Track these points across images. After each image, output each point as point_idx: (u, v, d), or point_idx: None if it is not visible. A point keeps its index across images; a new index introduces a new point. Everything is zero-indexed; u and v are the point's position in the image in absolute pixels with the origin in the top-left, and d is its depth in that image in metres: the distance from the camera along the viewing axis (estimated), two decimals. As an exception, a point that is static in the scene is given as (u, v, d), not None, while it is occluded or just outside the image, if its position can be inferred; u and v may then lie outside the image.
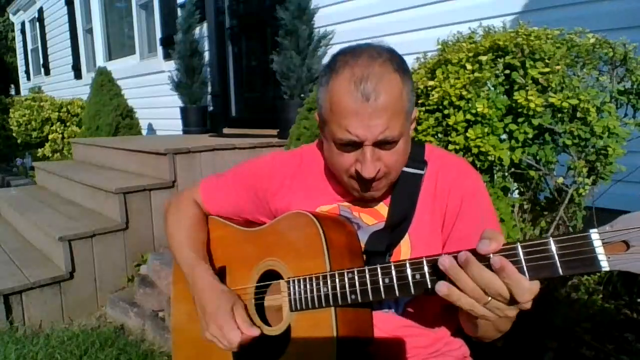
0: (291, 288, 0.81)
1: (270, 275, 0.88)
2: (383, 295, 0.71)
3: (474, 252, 0.61)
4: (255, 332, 0.84)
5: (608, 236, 0.55)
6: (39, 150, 6.04)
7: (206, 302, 0.89)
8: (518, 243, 0.59)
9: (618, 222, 0.55)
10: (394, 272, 0.70)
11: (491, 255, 0.59)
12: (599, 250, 0.55)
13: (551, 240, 0.57)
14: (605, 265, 0.54)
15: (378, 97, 0.73)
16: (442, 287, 0.62)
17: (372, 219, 0.89)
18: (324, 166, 0.98)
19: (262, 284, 0.90)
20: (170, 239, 1.04)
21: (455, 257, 0.62)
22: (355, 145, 0.77)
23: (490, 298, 0.60)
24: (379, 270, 0.71)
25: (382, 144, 0.77)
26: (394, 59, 0.78)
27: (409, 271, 0.68)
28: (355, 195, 0.87)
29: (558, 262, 0.57)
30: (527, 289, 0.58)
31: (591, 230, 0.55)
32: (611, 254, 0.54)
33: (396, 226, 0.86)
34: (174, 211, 1.07)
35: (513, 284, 0.58)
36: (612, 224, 0.55)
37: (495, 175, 1.45)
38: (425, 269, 0.66)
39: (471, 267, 0.60)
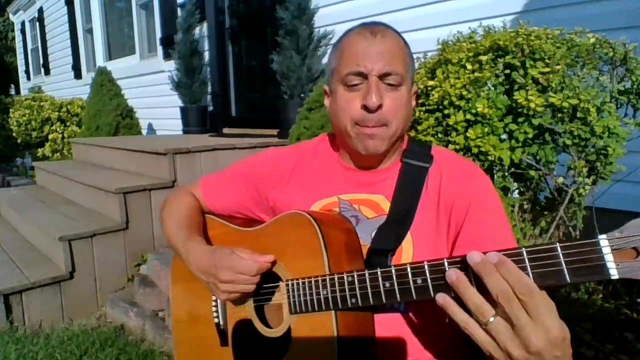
0: (290, 290, 0.81)
1: (269, 277, 0.87)
2: (384, 300, 0.70)
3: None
4: (269, 257, 0.82)
5: (617, 242, 0.52)
6: (39, 150, 6.04)
7: (205, 262, 0.87)
8: (523, 248, 0.57)
9: (628, 227, 0.53)
10: (394, 277, 0.68)
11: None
12: (608, 257, 0.52)
13: (558, 246, 0.55)
14: (614, 273, 0.52)
15: (384, 37, 0.84)
16: (439, 298, 0.60)
17: (372, 212, 0.88)
18: (323, 160, 0.98)
19: (260, 285, 0.89)
20: (165, 227, 1.03)
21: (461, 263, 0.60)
22: (362, 77, 0.83)
23: (492, 318, 0.55)
24: (379, 274, 0.70)
25: (386, 77, 0.83)
26: (400, 34, 0.90)
27: (410, 276, 0.66)
28: (360, 152, 0.87)
29: (565, 269, 0.54)
30: (531, 287, 0.54)
31: (600, 237, 0.53)
32: (621, 261, 0.52)
33: (398, 219, 0.85)
34: (169, 202, 1.07)
35: (513, 281, 0.54)
36: (622, 230, 0.53)
37: (495, 175, 1.45)
38: (427, 273, 0.65)
39: (483, 271, 0.56)
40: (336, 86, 0.88)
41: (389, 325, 0.82)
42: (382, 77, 0.83)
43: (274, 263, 0.85)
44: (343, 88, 0.86)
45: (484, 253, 0.57)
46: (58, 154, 5.90)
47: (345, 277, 0.73)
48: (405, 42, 0.89)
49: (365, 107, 0.83)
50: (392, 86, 0.84)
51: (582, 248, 0.54)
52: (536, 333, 0.53)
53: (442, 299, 0.59)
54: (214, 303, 0.95)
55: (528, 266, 0.56)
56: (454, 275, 0.59)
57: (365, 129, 0.85)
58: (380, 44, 0.83)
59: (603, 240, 0.53)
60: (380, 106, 0.82)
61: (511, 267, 0.55)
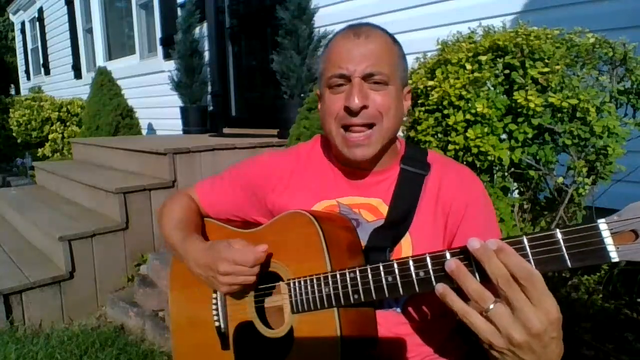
0: (292, 289, 0.80)
1: (270, 277, 0.87)
2: (387, 294, 0.70)
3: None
4: (264, 246, 0.82)
5: (616, 226, 0.53)
6: (39, 150, 6.03)
7: (203, 257, 0.88)
8: (524, 236, 0.57)
9: (626, 211, 0.53)
10: (397, 270, 0.68)
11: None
12: (608, 240, 0.53)
13: (558, 232, 0.55)
14: (614, 256, 0.53)
15: (368, 37, 0.83)
16: (438, 287, 0.60)
17: (371, 216, 0.89)
18: (319, 163, 0.98)
19: (262, 286, 0.89)
20: (163, 230, 1.03)
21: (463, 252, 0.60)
22: (345, 79, 0.83)
23: (492, 305, 0.55)
24: (381, 268, 0.70)
25: (370, 78, 0.82)
26: (389, 34, 0.88)
27: (412, 269, 0.66)
28: (347, 156, 0.87)
29: (566, 254, 0.55)
30: (531, 272, 0.53)
31: (599, 221, 0.54)
32: (620, 244, 0.53)
33: (396, 223, 0.85)
34: (167, 206, 1.07)
35: (513, 265, 0.54)
36: (620, 213, 0.53)
37: (495, 175, 1.44)
38: (429, 265, 0.65)
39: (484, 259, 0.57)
40: (323, 90, 0.88)
41: (387, 323, 0.83)
42: (365, 77, 0.82)
43: (269, 255, 0.85)
44: (328, 91, 0.86)
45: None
46: (58, 154, 5.90)
47: (347, 274, 0.73)
48: (395, 41, 0.88)
49: (347, 109, 0.82)
50: (378, 84, 0.83)
51: (582, 233, 0.54)
52: (537, 315, 0.53)
53: (442, 288, 0.59)
54: (214, 307, 0.94)
55: (529, 253, 0.57)
56: (453, 264, 0.59)
57: (351, 136, 0.84)
58: (363, 44, 0.82)
59: (602, 224, 0.53)
60: (364, 107, 0.82)
61: (510, 252, 0.55)
